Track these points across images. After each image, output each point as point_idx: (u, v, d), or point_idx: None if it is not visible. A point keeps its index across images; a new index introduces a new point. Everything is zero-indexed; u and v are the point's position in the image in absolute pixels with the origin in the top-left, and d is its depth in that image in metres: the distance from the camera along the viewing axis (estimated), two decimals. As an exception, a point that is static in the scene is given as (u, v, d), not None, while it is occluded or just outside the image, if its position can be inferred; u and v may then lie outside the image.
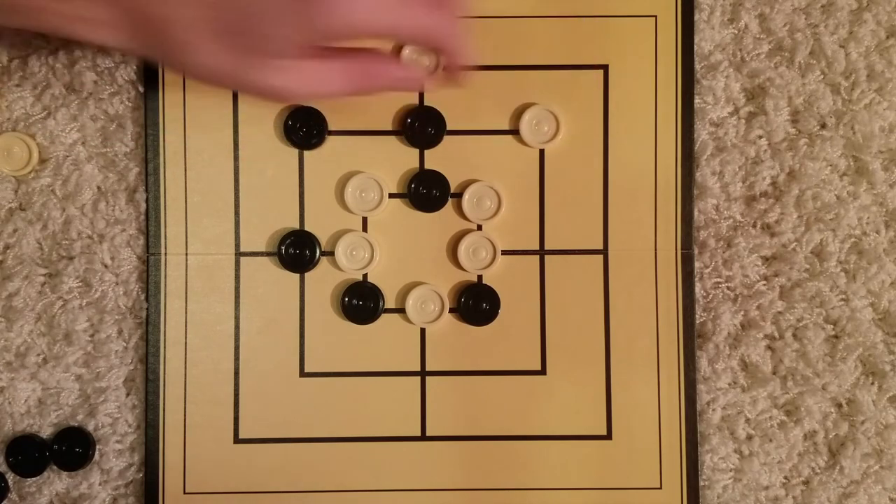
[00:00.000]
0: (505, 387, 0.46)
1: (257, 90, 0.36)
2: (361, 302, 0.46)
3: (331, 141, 0.46)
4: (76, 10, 0.32)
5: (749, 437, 0.47)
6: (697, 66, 0.47)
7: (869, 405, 0.46)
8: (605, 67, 0.46)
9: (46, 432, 0.46)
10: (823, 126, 0.47)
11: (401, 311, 0.46)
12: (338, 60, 0.36)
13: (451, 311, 0.46)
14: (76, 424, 0.46)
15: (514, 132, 0.46)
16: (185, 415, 0.46)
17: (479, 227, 0.46)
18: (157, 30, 0.32)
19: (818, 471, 0.47)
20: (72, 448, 0.44)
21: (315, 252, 0.46)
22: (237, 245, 0.46)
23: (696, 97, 0.47)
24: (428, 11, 0.34)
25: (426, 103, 0.46)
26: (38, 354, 0.46)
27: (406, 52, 0.45)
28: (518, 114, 0.46)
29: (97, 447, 0.46)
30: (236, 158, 0.46)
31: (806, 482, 0.47)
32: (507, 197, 0.46)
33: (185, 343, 0.46)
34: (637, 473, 0.46)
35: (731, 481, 0.46)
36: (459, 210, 0.46)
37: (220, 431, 0.46)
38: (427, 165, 0.46)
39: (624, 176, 0.46)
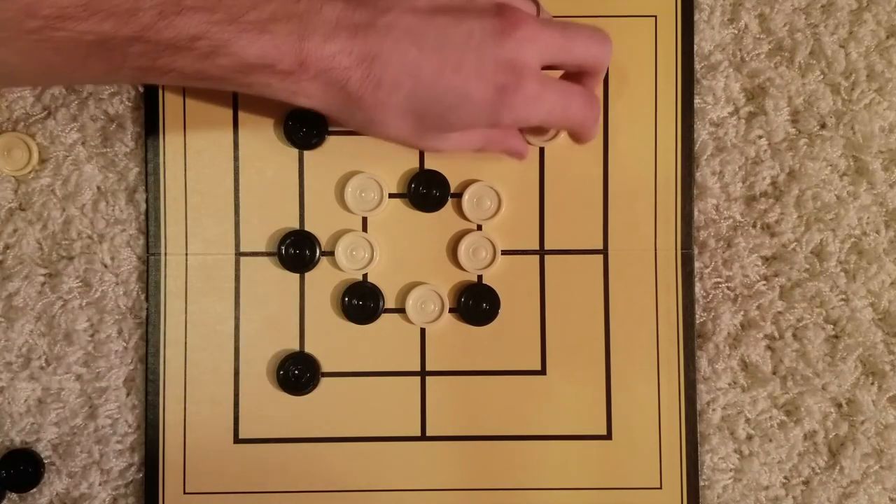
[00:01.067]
0: (505, 387, 0.46)
1: (418, 148, 0.45)
2: (361, 302, 0.46)
3: (331, 141, 0.46)
4: (295, 88, 0.37)
5: (749, 437, 0.47)
6: (697, 66, 0.47)
7: (869, 405, 0.46)
8: (605, 67, 0.46)
9: (49, 433, 0.46)
10: (823, 126, 0.47)
11: (401, 311, 0.46)
12: (480, 129, 0.42)
13: (451, 311, 0.46)
14: (20, 447, 0.46)
15: (514, 132, 0.46)
16: (185, 415, 0.46)
17: (479, 227, 0.46)
18: (358, 108, 0.38)
19: (818, 471, 0.47)
20: (20, 469, 0.45)
21: (315, 252, 0.46)
22: (237, 245, 0.46)
23: (696, 97, 0.47)
24: (582, 108, 0.41)
25: (426, 103, 0.46)
26: (39, 355, 0.46)
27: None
28: (518, 114, 0.46)
29: (98, 448, 0.46)
30: (236, 158, 0.46)
31: (806, 482, 0.47)
32: (507, 197, 0.46)
33: (185, 343, 0.46)
34: (637, 473, 0.46)
35: (731, 481, 0.46)
36: (459, 210, 0.46)
37: (220, 431, 0.46)
38: (427, 165, 0.46)
39: (624, 176, 0.46)
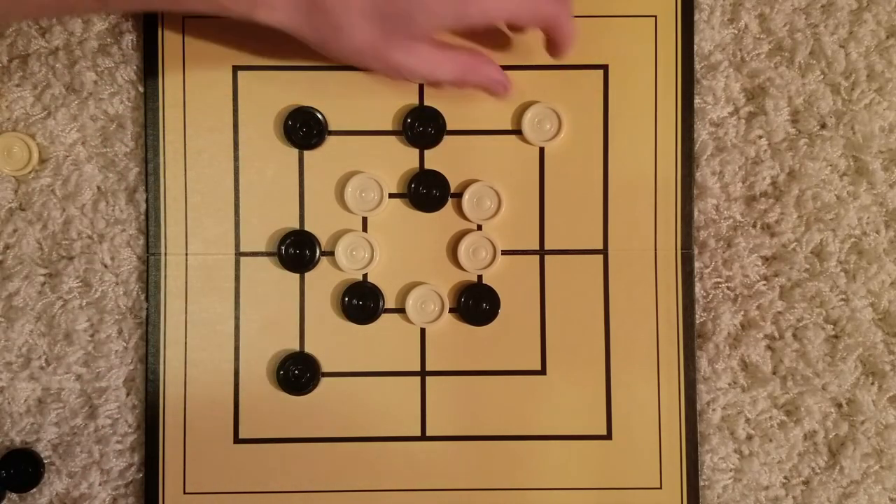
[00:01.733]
0: (505, 387, 0.46)
1: (387, 66, 0.42)
2: (361, 302, 0.46)
3: (331, 141, 0.46)
4: None
5: (749, 437, 0.47)
6: (697, 66, 0.47)
7: (869, 405, 0.46)
8: (605, 67, 0.46)
9: (49, 433, 0.46)
10: (823, 126, 0.47)
11: (401, 311, 0.46)
12: (450, 51, 0.42)
13: (451, 311, 0.46)
14: (20, 447, 0.46)
15: (515, 132, 0.46)
16: (185, 415, 0.46)
17: (479, 227, 0.46)
18: (321, 12, 0.39)
19: (818, 471, 0.47)
20: (20, 469, 0.45)
21: (315, 252, 0.46)
22: (237, 245, 0.46)
23: (696, 97, 0.47)
24: (551, 1, 0.41)
25: (426, 103, 0.46)
26: (39, 355, 0.46)
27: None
28: (519, 113, 0.46)
29: (97, 447, 0.46)
30: (236, 158, 0.46)
31: (806, 482, 0.47)
32: (507, 197, 0.46)
33: (185, 343, 0.46)
34: (637, 473, 0.46)
35: (731, 481, 0.46)
36: (459, 210, 0.46)
37: (220, 431, 0.46)
38: (427, 165, 0.46)
39: (624, 176, 0.46)
